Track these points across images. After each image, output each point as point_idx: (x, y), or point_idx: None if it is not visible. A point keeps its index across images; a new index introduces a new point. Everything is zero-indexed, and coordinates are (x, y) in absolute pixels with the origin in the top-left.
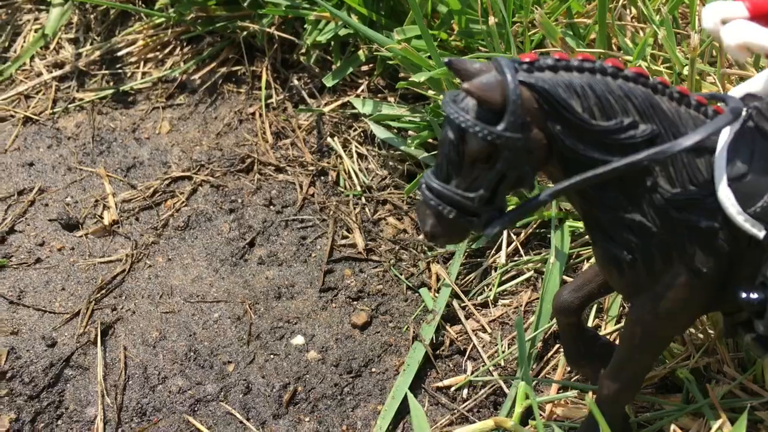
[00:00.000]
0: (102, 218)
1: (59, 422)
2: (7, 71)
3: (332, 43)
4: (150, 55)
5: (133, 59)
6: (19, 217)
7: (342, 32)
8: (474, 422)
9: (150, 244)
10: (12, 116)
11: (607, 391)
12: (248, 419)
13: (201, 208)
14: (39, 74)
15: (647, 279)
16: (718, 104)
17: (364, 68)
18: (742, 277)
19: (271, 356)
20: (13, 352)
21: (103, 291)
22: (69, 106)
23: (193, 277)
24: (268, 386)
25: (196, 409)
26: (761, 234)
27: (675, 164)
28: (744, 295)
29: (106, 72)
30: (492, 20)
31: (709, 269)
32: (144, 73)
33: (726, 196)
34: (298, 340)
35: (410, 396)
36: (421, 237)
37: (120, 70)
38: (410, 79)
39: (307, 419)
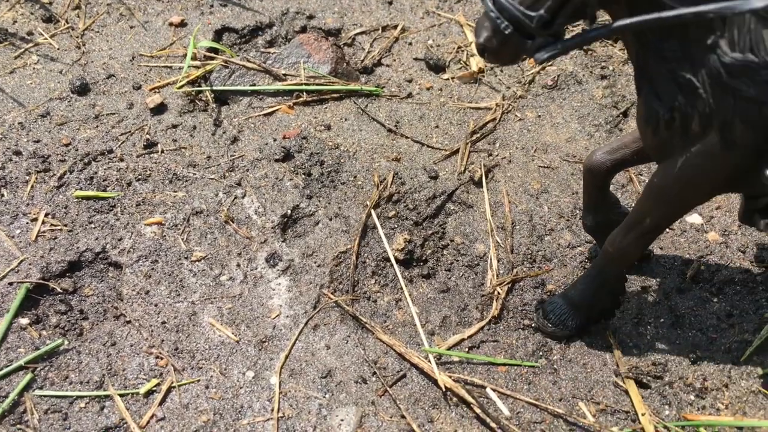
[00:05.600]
0: (467, 65)
1: (444, 252)
2: None
3: None
4: None
5: None
6: (385, 51)
7: None
8: None
9: (517, 98)
10: None
11: (612, 248)
12: (650, 288)
13: (570, 69)
14: None
15: (681, 141)
16: None
17: None
18: None
19: (667, 231)
20: (398, 178)
21: (477, 135)
22: None
23: (567, 137)
24: (669, 260)
25: (586, 266)
26: None
27: (740, 28)
28: None
29: None
30: None
31: (745, 144)
32: None
33: None
34: (696, 219)
35: None
36: None
37: None
38: None
39: (714, 299)
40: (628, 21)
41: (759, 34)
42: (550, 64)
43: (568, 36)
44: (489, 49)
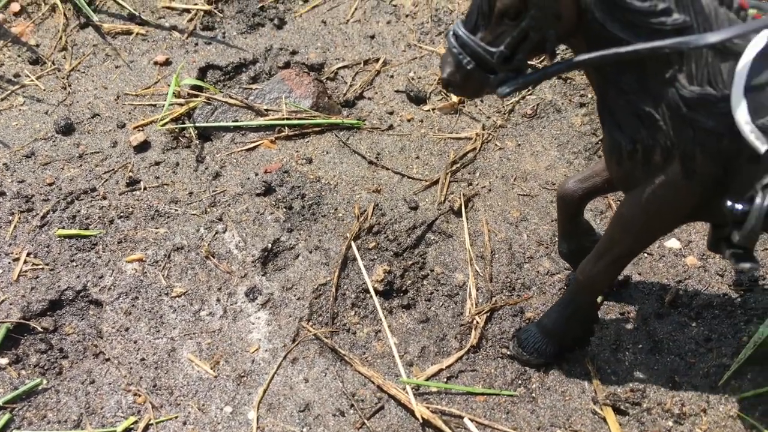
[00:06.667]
0: (448, 96)
1: (424, 282)
2: None
3: None
4: None
5: None
6: (367, 84)
7: None
8: None
9: (497, 127)
10: None
11: (583, 276)
12: (628, 313)
13: (549, 98)
14: None
15: (643, 172)
16: (760, 13)
17: None
18: (735, 190)
19: (645, 256)
20: (378, 209)
21: (457, 165)
22: None
23: (546, 165)
24: (647, 285)
25: None
26: (763, 148)
27: (698, 62)
28: (729, 204)
29: None
30: None
31: (705, 173)
32: None
33: (738, 102)
34: (674, 243)
35: None
36: None
37: None
38: None
39: (693, 324)
40: (586, 56)
41: (716, 68)
42: (529, 92)
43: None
44: (453, 84)
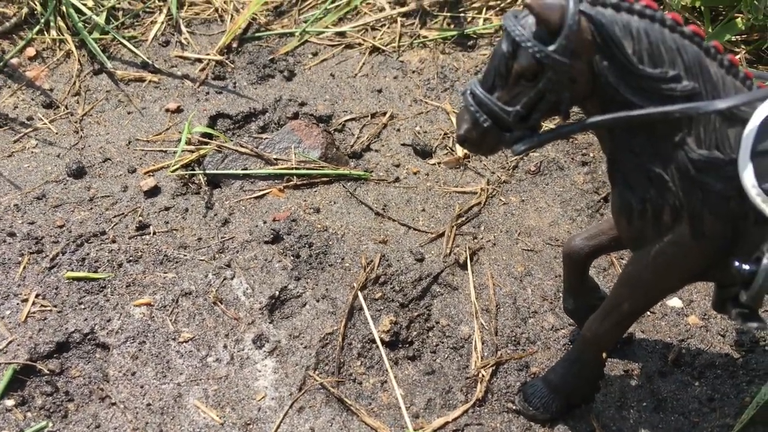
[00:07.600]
0: (453, 151)
1: (430, 334)
2: (354, 2)
3: (702, 8)
4: (492, 3)
5: (476, 5)
6: (374, 137)
7: None
8: None
9: (502, 183)
10: (360, 44)
11: (590, 333)
12: (632, 371)
13: (552, 156)
14: (382, 9)
15: (653, 231)
16: (764, 82)
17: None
18: (742, 251)
19: (648, 314)
20: (385, 260)
21: (462, 218)
22: (414, 41)
23: (550, 222)
24: (650, 343)
25: (569, 349)
26: None
27: (706, 126)
28: (737, 264)
29: (448, 14)
30: None
31: (714, 235)
32: (485, 20)
33: (744, 165)
34: (676, 302)
35: None
36: None
37: (462, 14)
38: None
39: (696, 383)
40: (599, 118)
41: (724, 133)
42: (533, 150)
43: (544, 129)
44: (469, 140)
